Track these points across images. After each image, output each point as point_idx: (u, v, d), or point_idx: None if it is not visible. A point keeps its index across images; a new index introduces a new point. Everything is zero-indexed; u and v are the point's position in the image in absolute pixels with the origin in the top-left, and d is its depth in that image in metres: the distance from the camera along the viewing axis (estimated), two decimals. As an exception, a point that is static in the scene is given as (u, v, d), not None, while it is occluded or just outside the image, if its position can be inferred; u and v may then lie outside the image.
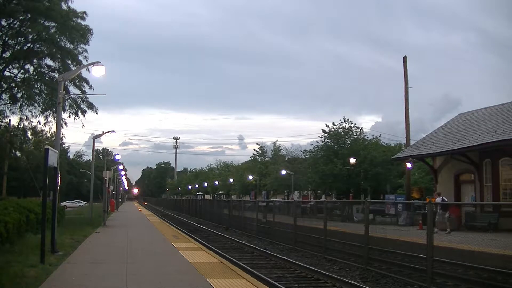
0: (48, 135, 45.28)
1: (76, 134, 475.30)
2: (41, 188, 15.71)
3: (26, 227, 16.32)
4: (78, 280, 9.14)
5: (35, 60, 30.78)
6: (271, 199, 49.39)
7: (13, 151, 40.13)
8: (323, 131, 43.47)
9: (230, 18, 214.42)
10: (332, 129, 43.26)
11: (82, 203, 72.85)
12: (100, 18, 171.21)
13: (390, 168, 41.92)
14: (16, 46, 30.23)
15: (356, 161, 39.30)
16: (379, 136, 46.58)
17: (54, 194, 14.35)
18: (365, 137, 44.65)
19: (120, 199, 75.92)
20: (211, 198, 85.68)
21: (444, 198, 23.44)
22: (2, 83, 30.02)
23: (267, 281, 11.40)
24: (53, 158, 12.62)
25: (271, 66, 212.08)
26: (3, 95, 30.62)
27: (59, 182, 14.02)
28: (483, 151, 24.76)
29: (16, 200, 24.48)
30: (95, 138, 37.62)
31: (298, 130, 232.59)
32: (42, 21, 28.77)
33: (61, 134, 21.23)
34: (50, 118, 30.92)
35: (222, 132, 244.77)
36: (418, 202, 27.07)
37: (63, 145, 71.08)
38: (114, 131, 37.27)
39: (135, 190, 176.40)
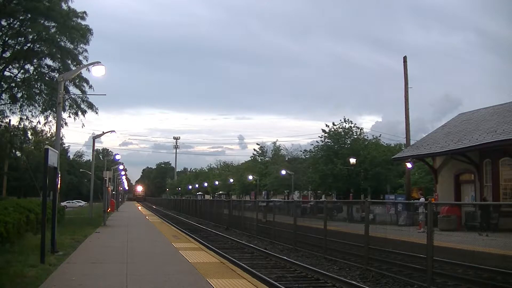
0: (48, 135, 45.40)
1: (76, 134, 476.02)
2: (41, 188, 15.68)
3: (26, 227, 16.30)
4: (78, 280, 9.14)
5: (35, 60, 30.76)
6: (271, 199, 49.37)
7: (13, 151, 40.15)
8: (323, 131, 43.46)
9: (230, 18, 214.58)
10: (332, 129, 43.24)
11: (82, 203, 72.81)
12: (100, 18, 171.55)
13: (390, 168, 41.90)
14: (16, 46, 30.23)
15: (356, 161, 39.30)
16: (379, 136, 46.64)
17: (54, 194, 14.34)
18: (365, 137, 44.67)
19: (120, 199, 75.86)
20: (211, 198, 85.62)
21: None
22: (2, 83, 30.01)
23: (267, 281, 11.40)
24: (53, 158, 12.62)
25: (271, 66, 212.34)
26: (3, 95, 30.62)
27: (59, 182, 14.01)
28: (483, 151, 24.76)
29: (16, 200, 24.44)
30: (95, 138, 37.79)
31: (298, 130, 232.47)
32: (42, 21, 28.74)
33: (61, 134, 21.28)
34: (50, 118, 30.95)
35: (222, 132, 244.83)
36: (418, 202, 27.06)
37: (63, 145, 71.14)
38: (114, 131, 37.44)
39: (139, 188, 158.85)
